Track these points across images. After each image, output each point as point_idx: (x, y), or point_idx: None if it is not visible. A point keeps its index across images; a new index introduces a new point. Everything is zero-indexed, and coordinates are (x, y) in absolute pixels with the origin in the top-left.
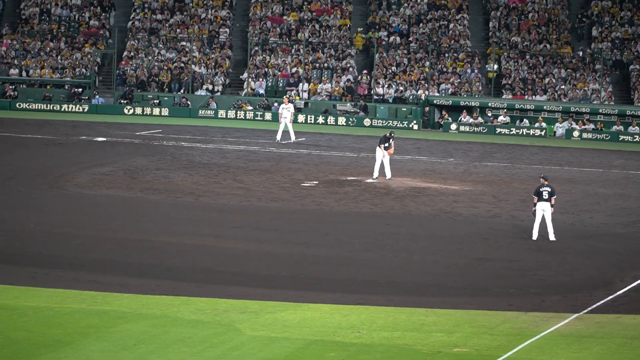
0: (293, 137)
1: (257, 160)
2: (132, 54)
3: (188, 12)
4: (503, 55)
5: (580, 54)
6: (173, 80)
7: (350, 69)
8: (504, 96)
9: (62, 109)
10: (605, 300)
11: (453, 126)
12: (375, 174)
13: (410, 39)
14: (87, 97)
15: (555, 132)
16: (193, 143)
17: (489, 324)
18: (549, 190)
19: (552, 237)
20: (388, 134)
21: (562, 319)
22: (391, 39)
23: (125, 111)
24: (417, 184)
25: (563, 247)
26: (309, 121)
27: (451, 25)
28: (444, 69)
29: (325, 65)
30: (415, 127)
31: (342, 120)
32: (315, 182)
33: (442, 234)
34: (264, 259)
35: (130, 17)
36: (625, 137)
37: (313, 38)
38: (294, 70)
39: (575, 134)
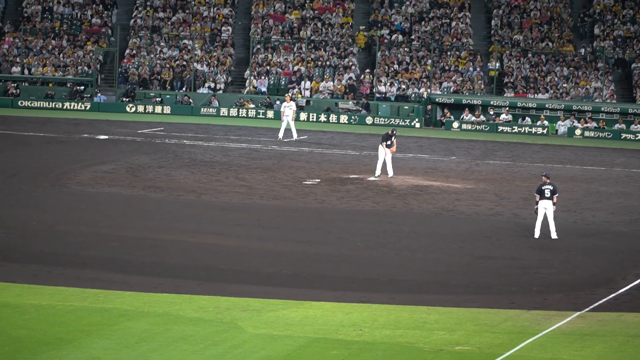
0: (295, 135)
1: (259, 158)
2: (134, 51)
3: (190, 10)
4: (505, 54)
5: (583, 52)
6: (175, 78)
7: (353, 67)
8: (506, 94)
9: (64, 107)
10: (608, 298)
11: (455, 124)
12: (378, 172)
13: (413, 37)
14: (89, 95)
15: (557, 130)
16: (195, 141)
17: (491, 322)
18: (551, 188)
19: (554, 235)
20: (390, 132)
21: (564, 317)
22: (393, 37)
23: (127, 109)
24: (419, 182)
25: (565, 245)
26: (311, 119)
27: (453, 24)
28: (446, 67)
29: (328, 63)
30: (418, 125)
31: (344, 118)
32: (317, 180)
33: (444, 232)
34: (266, 257)
35: (133, 15)
36: (627, 135)
37: (315, 36)
38: (296, 68)
39: (578, 132)
